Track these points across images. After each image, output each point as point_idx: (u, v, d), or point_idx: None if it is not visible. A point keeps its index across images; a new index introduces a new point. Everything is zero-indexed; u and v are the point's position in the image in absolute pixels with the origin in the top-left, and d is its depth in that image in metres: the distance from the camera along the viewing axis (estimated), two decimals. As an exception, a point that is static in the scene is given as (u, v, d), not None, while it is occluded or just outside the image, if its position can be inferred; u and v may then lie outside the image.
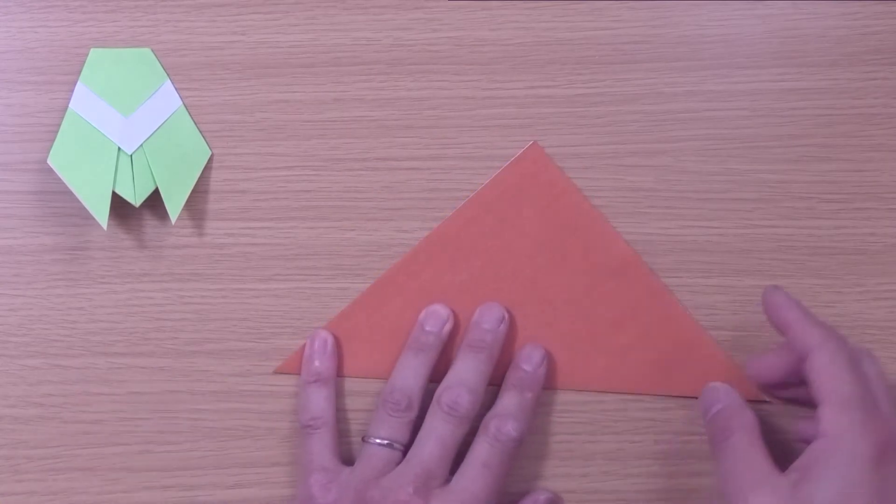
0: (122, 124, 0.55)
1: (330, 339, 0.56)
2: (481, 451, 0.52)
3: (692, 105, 0.57)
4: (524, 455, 0.56)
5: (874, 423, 0.47)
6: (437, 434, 0.52)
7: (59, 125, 0.55)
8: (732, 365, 0.54)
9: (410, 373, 0.54)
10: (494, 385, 0.55)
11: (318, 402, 0.54)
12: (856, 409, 0.47)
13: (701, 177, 0.56)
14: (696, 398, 0.53)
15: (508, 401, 0.54)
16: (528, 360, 0.55)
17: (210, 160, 0.56)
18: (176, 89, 0.56)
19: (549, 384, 0.56)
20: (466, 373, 0.54)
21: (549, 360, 0.55)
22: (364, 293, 0.56)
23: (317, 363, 0.55)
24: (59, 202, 0.56)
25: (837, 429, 0.47)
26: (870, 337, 0.56)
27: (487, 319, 0.55)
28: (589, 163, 0.56)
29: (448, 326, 0.55)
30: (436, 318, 0.55)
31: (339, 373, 0.56)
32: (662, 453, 0.56)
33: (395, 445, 0.53)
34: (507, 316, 0.55)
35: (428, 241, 0.56)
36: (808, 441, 0.48)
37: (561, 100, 0.56)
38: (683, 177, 0.56)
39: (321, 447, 0.54)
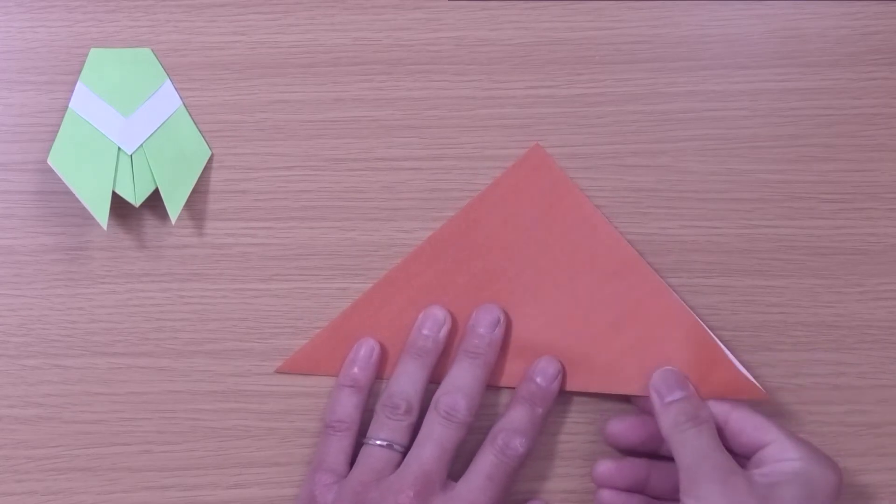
0: (122, 124, 0.55)
1: (376, 350, 0.55)
2: (486, 462, 0.52)
3: (692, 105, 0.57)
4: (524, 455, 0.56)
5: (835, 465, 0.51)
6: (435, 439, 0.52)
7: (59, 125, 0.55)
8: (734, 366, 0.54)
9: (409, 378, 0.54)
10: (493, 386, 0.55)
11: (348, 407, 0.54)
12: (811, 446, 0.52)
13: (701, 177, 0.56)
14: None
15: (518, 414, 0.54)
16: (543, 374, 0.54)
17: (210, 160, 0.56)
18: (176, 89, 0.56)
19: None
20: (463, 378, 0.53)
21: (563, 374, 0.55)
22: (364, 293, 0.56)
23: (356, 370, 0.55)
24: (59, 202, 0.56)
25: (808, 460, 0.50)
26: (870, 337, 0.56)
27: (483, 323, 0.54)
28: (589, 163, 0.56)
29: (445, 329, 0.55)
30: (433, 321, 0.55)
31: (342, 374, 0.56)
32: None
33: (395, 447, 0.53)
34: (503, 318, 0.55)
35: (429, 242, 0.56)
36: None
37: (561, 100, 0.56)
38: (684, 177, 0.56)
39: (337, 450, 0.54)
